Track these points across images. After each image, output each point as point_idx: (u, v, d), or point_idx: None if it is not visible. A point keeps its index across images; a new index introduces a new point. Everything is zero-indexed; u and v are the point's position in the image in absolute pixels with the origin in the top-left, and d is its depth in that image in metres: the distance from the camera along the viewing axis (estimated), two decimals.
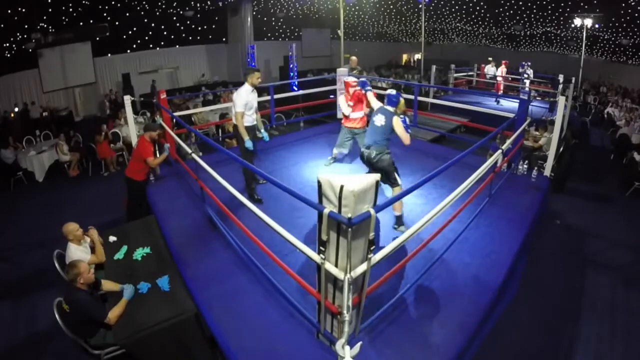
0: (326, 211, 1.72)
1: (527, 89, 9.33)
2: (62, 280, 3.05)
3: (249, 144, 3.89)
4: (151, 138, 4.31)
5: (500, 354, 3.04)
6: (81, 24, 11.36)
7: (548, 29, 15.17)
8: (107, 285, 2.88)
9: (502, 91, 10.60)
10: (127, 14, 12.27)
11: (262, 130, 4.34)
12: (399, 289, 2.59)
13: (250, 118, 4.00)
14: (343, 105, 4.78)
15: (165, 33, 14.12)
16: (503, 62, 11.02)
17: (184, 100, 10.15)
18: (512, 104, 9.26)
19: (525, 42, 17.95)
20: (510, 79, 11.42)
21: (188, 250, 3.27)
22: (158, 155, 4.41)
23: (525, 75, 10.60)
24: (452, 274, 2.87)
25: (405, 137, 3.42)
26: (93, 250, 3.36)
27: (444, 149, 5.82)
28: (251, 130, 4.01)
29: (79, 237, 3.24)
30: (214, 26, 15.29)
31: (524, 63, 11.22)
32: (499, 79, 10.80)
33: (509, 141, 3.86)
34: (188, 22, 14.35)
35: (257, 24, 15.39)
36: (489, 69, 11.45)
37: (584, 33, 12.23)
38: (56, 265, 3.24)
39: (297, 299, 2.38)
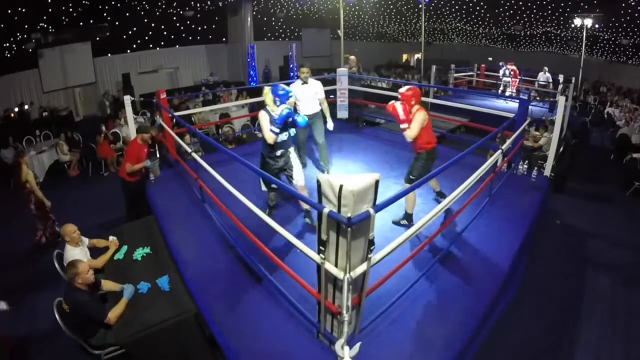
0: (326, 210, 1.72)
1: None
2: (62, 280, 3.05)
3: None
4: (143, 140, 4.29)
5: (501, 354, 3.04)
6: (81, 24, 11.35)
7: (548, 29, 15.16)
8: (107, 285, 2.89)
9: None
10: (127, 14, 12.25)
11: (328, 119, 4.61)
12: (399, 289, 2.58)
13: (304, 109, 4.37)
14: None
15: (165, 33, 14.11)
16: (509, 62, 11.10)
17: (183, 100, 10.14)
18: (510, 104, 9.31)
19: (525, 42, 17.91)
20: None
21: (188, 250, 3.27)
22: (158, 155, 4.40)
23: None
24: (452, 274, 2.87)
25: (267, 136, 3.11)
26: (96, 253, 3.36)
27: (444, 149, 5.79)
28: None
29: (76, 240, 3.23)
30: (214, 26, 15.28)
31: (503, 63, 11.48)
32: (506, 79, 10.83)
33: (509, 141, 3.85)
34: (188, 22, 14.34)
35: (257, 24, 15.38)
36: (541, 76, 11.19)
37: (584, 33, 12.22)
38: (56, 265, 3.24)
39: (297, 299, 2.38)
